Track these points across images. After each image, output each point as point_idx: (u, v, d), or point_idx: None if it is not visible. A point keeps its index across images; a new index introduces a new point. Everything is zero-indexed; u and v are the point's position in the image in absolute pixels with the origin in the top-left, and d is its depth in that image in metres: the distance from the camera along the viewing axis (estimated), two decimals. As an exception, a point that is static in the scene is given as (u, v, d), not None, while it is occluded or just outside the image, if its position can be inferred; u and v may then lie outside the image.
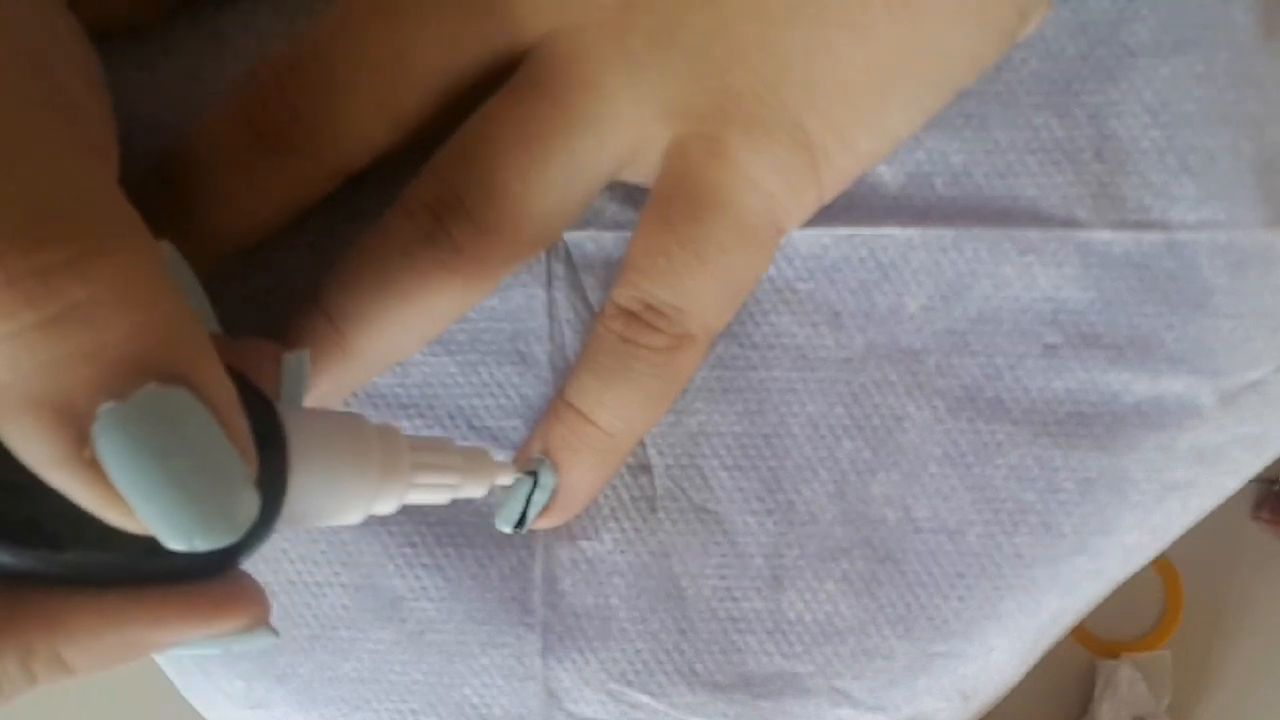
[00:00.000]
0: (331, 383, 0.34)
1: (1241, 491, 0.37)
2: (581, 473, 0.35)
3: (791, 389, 0.36)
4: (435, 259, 0.32)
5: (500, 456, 0.36)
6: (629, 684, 0.37)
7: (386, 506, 0.30)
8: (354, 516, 0.29)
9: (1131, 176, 0.33)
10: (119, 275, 0.22)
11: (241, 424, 0.24)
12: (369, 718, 0.39)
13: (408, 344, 0.35)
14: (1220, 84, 0.32)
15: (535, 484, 0.35)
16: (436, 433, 0.37)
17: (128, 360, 0.22)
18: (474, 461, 0.32)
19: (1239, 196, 0.32)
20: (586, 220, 0.35)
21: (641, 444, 0.36)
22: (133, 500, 0.23)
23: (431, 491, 0.31)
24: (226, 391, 0.24)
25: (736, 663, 0.37)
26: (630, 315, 0.33)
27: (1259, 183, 0.32)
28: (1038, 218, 0.33)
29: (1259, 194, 0.32)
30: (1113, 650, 0.56)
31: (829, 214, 0.34)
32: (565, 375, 0.36)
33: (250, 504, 0.24)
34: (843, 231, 0.34)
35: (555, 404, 0.35)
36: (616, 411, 0.34)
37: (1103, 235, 0.33)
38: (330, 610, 0.38)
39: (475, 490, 0.32)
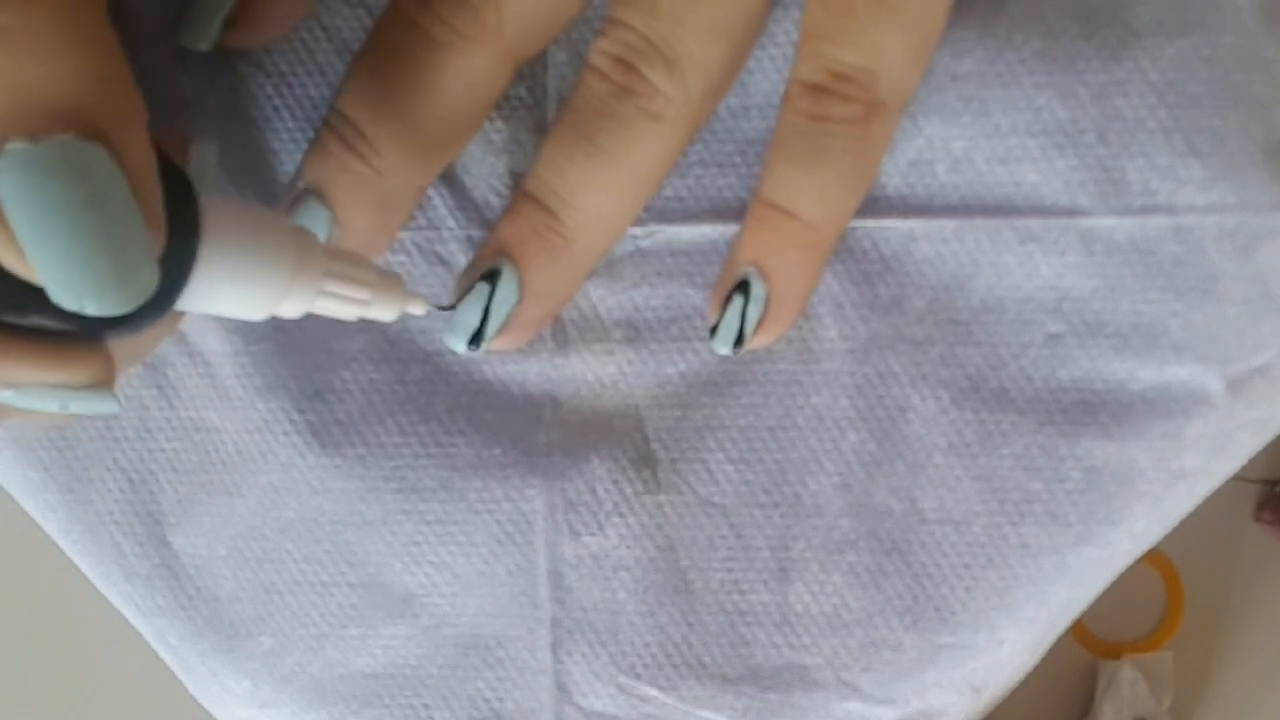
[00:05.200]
0: (554, 279, 0.34)
1: (1243, 493, 0.37)
2: (791, 274, 0.34)
3: (796, 381, 0.35)
4: (638, 110, 0.32)
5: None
6: (638, 677, 0.37)
7: (293, 309, 0.29)
8: (258, 312, 0.29)
9: (1137, 158, 0.32)
10: (57, 13, 0.22)
11: (155, 195, 0.24)
12: (380, 714, 0.38)
13: (619, 215, 0.34)
14: (1227, 65, 0.32)
15: (747, 297, 0.34)
16: (432, 428, 0.37)
17: (47, 102, 0.22)
18: (388, 283, 0.31)
19: (1249, 178, 0.32)
20: None
21: (645, 438, 0.36)
22: (27, 246, 0.22)
23: (341, 303, 0.30)
24: (145, 161, 0.24)
25: (745, 655, 0.37)
26: (817, 90, 0.32)
27: (1268, 165, 0.32)
28: (1039, 206, 0.33)
29: (1268, 176, 0.32)
30: (1114, 651, 0.56)
31: (831, 208, 0.34)
32: (568, 372, 0.36)
33: (148, 278, 0.24)
34: None
35: (752, 208, 0.34)
36: (815, 200, 0.33)
37: (1106, 222, 0.33)
38: (338, 609, 0.38)
39: (385, 313, 0.31)
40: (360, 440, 0.37)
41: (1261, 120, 0.32)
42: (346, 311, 0.30)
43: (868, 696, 0.37)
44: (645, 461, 0.36)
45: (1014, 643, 0.37)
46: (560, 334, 0.36)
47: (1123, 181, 0.33)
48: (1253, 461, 0.36)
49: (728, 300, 0.34)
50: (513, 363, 0.36)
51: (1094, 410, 0.34)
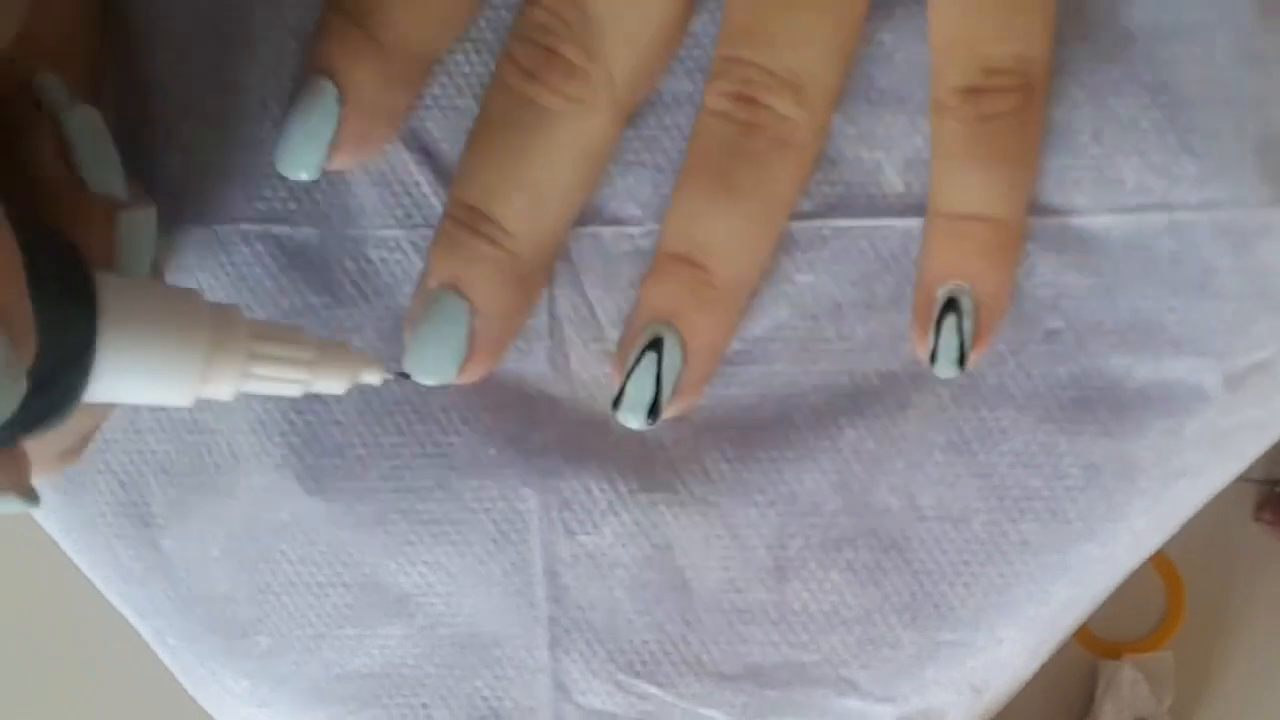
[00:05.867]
0: (714, 331, 0.34)
1: (1243, 493, 0.37)
2: (995, 277, 0.33)
3: (793, 380, 0.35)
4: (768, 142, 0.32)
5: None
6: (636, 675, 0.37)
7: (221, 393, 0.28)
8: (178, 400, 0.28)
9: (1131, 157, 0.32)
10: None
11: (19, 307, 0.22)
12: (378, 714, 0.38)
13: (764, 248, 0.34)
14: (1221, 63, 0.32)
15: (959, 313, 0.33)
16: (430, 428, 0.37)
17: None
18: (328, 355, 0.30)
19: (1242, 176, 0.32)
20: (585, 218, 0.35)
21: (641, 437, 0.36)
22: None
23: (276, 385, 0.29)
24: (4, 280, 0.22)
25: (743, 653, 0.37)
26: (975, 91, 0.31)
27: (1262, 162, 0.32)
28: (1035, 205, 0.33)
29: (1262, 173, 0.32)
30: (1115, 651, 0.56)
31: (828, 206, 0.34)
32: (564, 371, 0.36)
33: (11, 395, 0.22)
34: (842, 224, 0.34)
35: (935, 225, 0.33)
36: (1004, 196, 0.32)
37: (1102, 220, 0.33)
38: (334, 609, 0.38)
39: (334, 386, 0.30)
40: (359, 440, 0.37)
41: (1255, 117, 0.32)
42: (287, 391, 0.30)
43: (866, 694, 0.37)
44: (641, 460, 0.36)
45: (1014, 641, 0.37)
46: (557, 334, 0.36)
47: (1117, 180, 0.33)
48: (1252, 462, 0.37)
49: (940, 323, 0.33)
50: (510, 363, 0.36)
51: (1093, 407, 0.34)
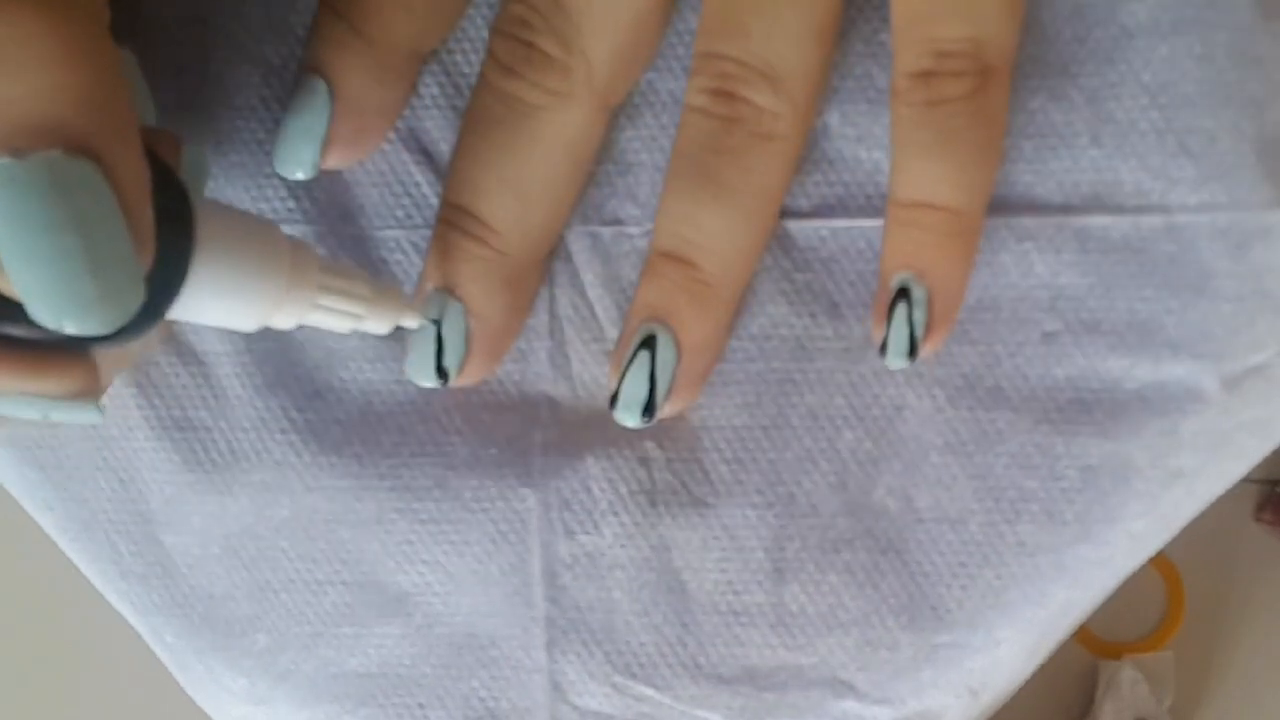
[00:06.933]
0: (707, 327, 0.34)
1: (1243, 493, 0.37)
2: (949, 268, 0.32)
3: (790, 379, 0.35)
4: (750, 136, 0.32)
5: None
6: (633, 677, 0.37)
7: (285, 321, 0.29)
8: (249, 323, 0.29)
9: (1129, 159, 0.32)
10: (46, 27, 0.21)
11: (146, 213, 0.23)
12: (374, 713, 0.38)
13: (755, 243, 0.34)
14: (1220, 64, 0.32)
15: (910, 303, 0.32)
16: (430, 427, 0.37)
17: (34, 119, 0.21)
18: (383, 296, 0.31)
19: (1240, 178, 0.32)
20: (585, 217, 0.35)
21: (640, 437, 0.36)
22: (7, 262, 0.22)
23: (334, 316, 0.30)
24: (138, 176, 0.23)
25: (740, 655, 0.37)
26: (926, 75, 0.31)
27: (1260, 163, 0.32)
28: (1034, 205, 0.33)
29: (1260, 174, 0.32)
30: (1114, 651, 0.56)
31: (826, 206, 0.34)
32: (565, 372, 0.36)
33: (132, 298, 0.23)
34: (840, 224, 0.34)
35: (891, 213, 0.32)
36: (956, 184, 0.31)
37: (1100, 220, 0.33)
38: (332, 608, 0.38)
39: (378, 326, 0.32)
40: (358, 439, 0.37)
41: (1254, 118, 0.32)
42: (339, 324, 0.31)
43: (864, 695, 0.37)
44: (640, 461, 0.36)
45: (1011, 643, 0.36)
46: (558, 334, 0.36)
47: (1115, 182, 0.33)
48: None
49: (890, 312, 0.32)
50: (511, 363, 0.36)
51: (1090, 408, 0.34)
